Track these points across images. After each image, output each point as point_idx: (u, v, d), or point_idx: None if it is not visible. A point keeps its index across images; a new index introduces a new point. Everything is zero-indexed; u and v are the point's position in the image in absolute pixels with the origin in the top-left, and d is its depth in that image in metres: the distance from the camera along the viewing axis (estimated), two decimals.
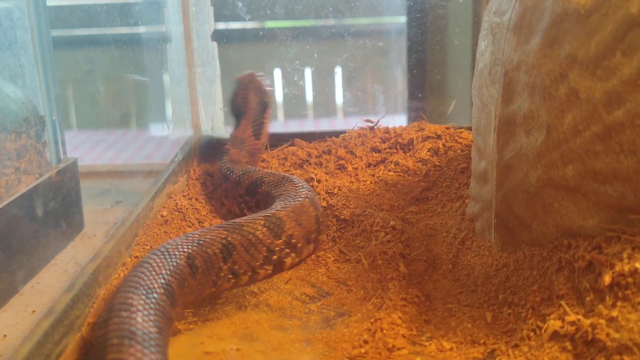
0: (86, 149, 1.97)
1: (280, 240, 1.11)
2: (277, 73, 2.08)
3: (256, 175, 1.37)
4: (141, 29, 1.66)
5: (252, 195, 1.35)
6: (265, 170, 1.43)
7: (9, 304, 1.08)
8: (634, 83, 0.80)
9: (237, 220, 1.12)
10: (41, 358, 0.76)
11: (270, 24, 1.94)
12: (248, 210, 1.36)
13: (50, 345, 0.79)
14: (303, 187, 1.26)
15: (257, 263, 1.09)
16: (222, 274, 1.04)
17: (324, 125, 2.21)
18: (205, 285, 1.02)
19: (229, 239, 1.06)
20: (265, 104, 1.60)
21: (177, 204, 1.31)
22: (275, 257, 1.11)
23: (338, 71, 2.14)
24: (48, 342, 0.78)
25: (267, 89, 1.63)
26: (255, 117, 1.58)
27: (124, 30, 1.60)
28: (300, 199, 1.20)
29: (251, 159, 1.54)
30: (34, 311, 1.06)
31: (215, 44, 1.73)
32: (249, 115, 1.58)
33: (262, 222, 1.11)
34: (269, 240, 1.10)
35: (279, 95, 2.14)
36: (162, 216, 1.25)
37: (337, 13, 1.92)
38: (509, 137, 0.97)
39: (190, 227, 1.27)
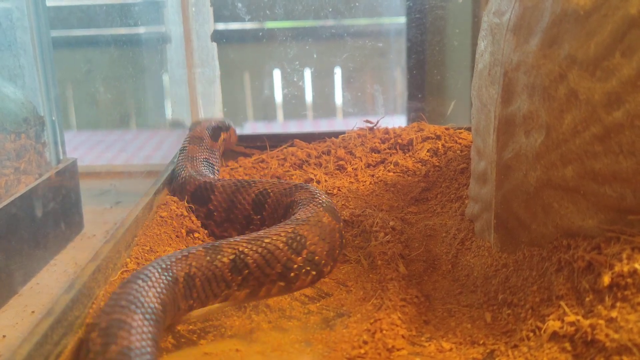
0: (85, 149, 1.97)
1: (341, 224, 1.13)
2: (277, 73, 2.09)
3: (204, 180, 1.32)
4: (141, 30, 1.66)
5: (202, 204, 1.30)
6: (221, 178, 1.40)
7: (8, 305, 1.08)
8: (633, 84, 0.80)
9: (297, 215, 1.09)
10: (41, 359, 0.76)
11: (269, 24, 1.95)
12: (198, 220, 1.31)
13: (50, 346, 0.79)
14: (291, 184, 1.25)
15: (336, 252, 1.09)
16: (294, 266, 1.03)
17: (323, 125, 2.21)
18: (265, 281, 1.02)
19: (297, 230, 1.04)
20: (222, 128, 1.61)
21: (176, 204, 1.31)
22: (344, 240, 1.12)
23: (337, 72, 2.14)
24: (47, 342, 0.78)
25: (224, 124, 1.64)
26: (212, 127, 1.58)
27: (123, 30, 1.60)
28: (308, 189, 1.20)
29: (211, 156, 1.51)
30: (33, 311, 1.06)
31: (214, 44, 1.73)
32: (204, 125, 1.59)
33: (322, 209, 1.10)
34: (337, 225, 1.11)
35: (278, 96, 2.14)
36: (161, 217, 1.25)
37: (337, 14, 1.92)
38: (508, 137, 0.97)
39: (192, 225, 1.27)
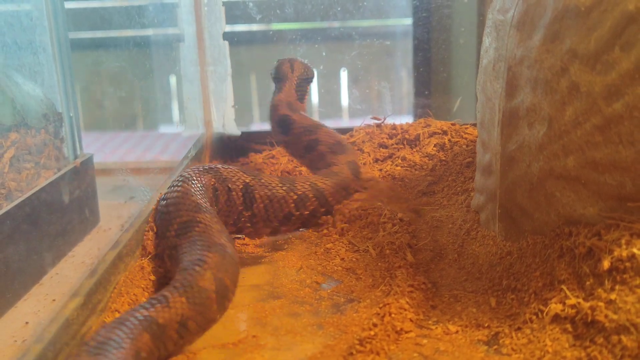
0: (101, 147, 2.01)
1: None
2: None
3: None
4: (156, 31, 1.70)
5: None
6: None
7: (30, 293, 1.12)
8: (632, 77, 0.84)
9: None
10: (68, 338, 0.80)
11: (277, 25, 1.98)
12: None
13: (76, 326, 0.83)
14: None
15: None
16: None
17: (331, 124, 2.24)
18: None
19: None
20: (309, 79, 1.61)
21: None
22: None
23: (346, 71, 2.17)
24: (74, 323, 0.82)
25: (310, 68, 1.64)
26: (298, 84, 1.58)
27: (134, 32, 1.64)
28: None
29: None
30: (54, 300, 1.10)
31: (226, 43, 1.77)
32: (292, 81, 1.58)
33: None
34: None
35: None
36: None
37: (346, 13, 1.96)
38: (512, 130, 1.01)
39: None
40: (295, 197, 1.27)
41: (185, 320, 0.87)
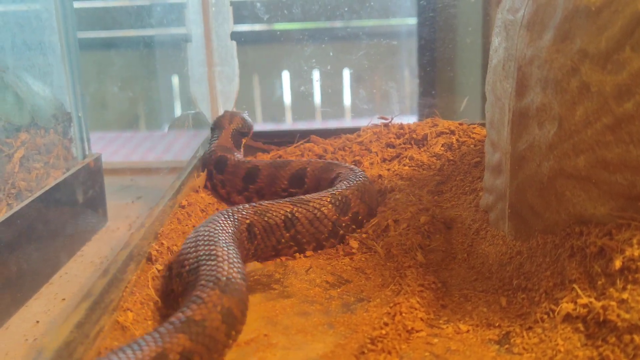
0: (109, 147, 2.02)
1: None
2: (289, 73, 2.13)
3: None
4: (163, 31, 1.71)
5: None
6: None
7: (40, 293, 1.13)
8: None
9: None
10: (82, 336, 0.81)
11: (280, 25, 1.99)
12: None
13: (89, 325, 0.83)
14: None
15: None
16: None
17: (335, 124, 2.24)
18: None
19: None
20: (244, 133, 1.64)
21: (199, 197, 1.36)
22: None
23: (351, 71, 2.18)
24: (87, 322, 0.83)
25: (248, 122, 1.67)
26: (233, 135, 1.61)
27: (148, 32, 1.64)
28: None
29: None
30: (63, 299, 1.11)
31: (234, 43, 1.78)
32: (228, 131, 1.62)
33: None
34: None
35: (287, 97, 2.18)
36: (182, 207, 1.29)
37: (352, 13, 1.96)
38: (522, 129, 1.01)
39: None
40: None
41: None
